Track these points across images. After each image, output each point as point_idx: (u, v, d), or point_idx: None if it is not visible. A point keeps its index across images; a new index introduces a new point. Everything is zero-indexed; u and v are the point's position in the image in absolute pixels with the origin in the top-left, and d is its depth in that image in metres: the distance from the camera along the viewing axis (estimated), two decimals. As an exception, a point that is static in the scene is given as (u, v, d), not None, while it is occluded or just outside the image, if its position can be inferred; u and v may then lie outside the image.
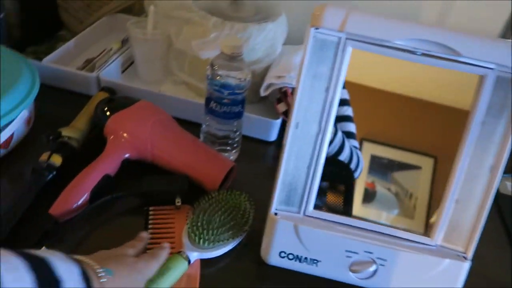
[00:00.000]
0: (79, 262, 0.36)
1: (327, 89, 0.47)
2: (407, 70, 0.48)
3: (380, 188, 0.52)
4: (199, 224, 0.50)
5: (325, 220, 0.50)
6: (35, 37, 0.80)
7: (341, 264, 0.50)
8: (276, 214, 0.50)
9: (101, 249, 0.44)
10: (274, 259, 0.51)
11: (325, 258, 0.50)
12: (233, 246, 0.52)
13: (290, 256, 0.51)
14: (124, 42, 0.81)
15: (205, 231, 0.49)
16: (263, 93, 0.72)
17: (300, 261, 0.51)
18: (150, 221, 0.54)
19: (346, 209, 0.52)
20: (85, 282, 0.35)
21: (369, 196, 0.53)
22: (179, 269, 0.47)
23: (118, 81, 0.71)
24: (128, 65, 0.81)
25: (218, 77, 0.57)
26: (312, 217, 0.51)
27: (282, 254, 0.51)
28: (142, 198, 0.57)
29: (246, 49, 0.69)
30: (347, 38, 0.45)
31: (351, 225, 0.50)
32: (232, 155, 0.66)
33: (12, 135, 0.56)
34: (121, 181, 0.57)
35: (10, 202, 0.51)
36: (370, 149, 0.52)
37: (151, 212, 0.55)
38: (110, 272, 0.39)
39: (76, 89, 0.73)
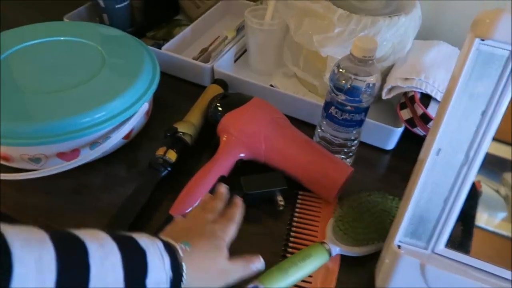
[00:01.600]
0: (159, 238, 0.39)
1: (484, 113, 0.39)
2: None
3: (487, 189, 0.44)
4: (345, 219, 0.50)
5: (458, 262, 0.43)
6: (155, 21, 0.81)
7: (474, 316, 0.42)
8: (399, 247, 0.44)
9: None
10: (391, 295, 0.46)
11: (454, 306, 0.43)
12: (376, 250, 0.50)
13: (411, 296, 0.45)
14: (239, 30, 0.78)
15: (351, 228, 0.49)
16: (384, 96, 0.65)
17: (422, 303, 0.45)
18: (298, 205, 0.55)
19: (464, 242, 0.44)
20: (168, 253, 0.37)
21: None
22: (320, 259, 0.47)
23: (230, 73, 0.69)
24: (241, 54, 0.78)
25: (344, 81, 0.51)
26: (442, 255, 0.44)
27: (402, 292, 0.45)
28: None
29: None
30: (521, 52, 0.36)
31: (491, 273, 0.43)
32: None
33: (133, 128, 0.57)
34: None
35: (128, 194, 0.52)
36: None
37: (300, 196, 0.56)
38: (188, 245, 0.40)
39: (190, 78, 0.73)
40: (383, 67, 0.67)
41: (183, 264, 0.38)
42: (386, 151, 0.66)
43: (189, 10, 0.85)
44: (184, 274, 0.37)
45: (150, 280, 0.35)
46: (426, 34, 0.74)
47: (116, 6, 0.73)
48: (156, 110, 0.66)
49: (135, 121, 0.56)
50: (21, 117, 0.51)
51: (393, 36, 0.63)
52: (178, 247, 0.39)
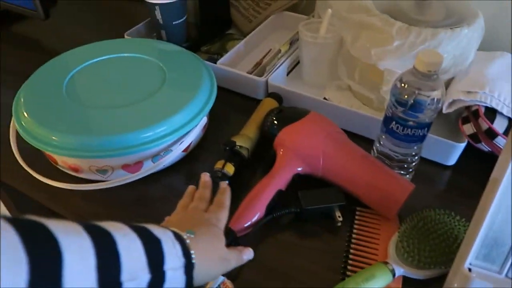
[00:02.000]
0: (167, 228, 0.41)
1: None
2: None
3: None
4: (410, 240, 0.48)
5: (535, 288, 0.41)
6: (208, 36, 0.83)
7: None
8: (470, 270, 0.42)
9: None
10: (460, 321, 0.43)
11: (532, 336, 0.41)
12: (441, 273, 0.48)
13: (483, 323, 0.42)
14: (292, 43, 0.78)
15: (416, 249, 0.47)
16: (445, 109, 0.62)
17: (495, 330, 0.42)
18: (356, 221, 0.54)
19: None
20: (178, 241, 0.39)
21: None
22: (384, 279, 0.46)
23: (285, 87, 0.69)
24: (294, 66, 0.78)
25: (407, 96, 0.50)
26: (517, 281, 0.41)
27: (473, 318, 0.43)
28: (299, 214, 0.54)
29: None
30: None
31: None
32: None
33: (192, 141, 0.58)
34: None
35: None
36: None
37: (358, 212, 0.55)
38: (192, 233, 0.42)
39: (244, 91, 0.74)
40: (443, 80, 0.64)
41: (192, 251, 0.40)
42: (446, 167, 0.63)
43: (241, 24, 0.87)
44: (194, 260, 0.40)
45: (168, 266, 0.37)
46: (487, 44, 0.71)
47: (174, 23, 0.75)
48: (211, 123, 0.67)
49: (195, 134, 0.57)
50: (90, 132, 0.54)
51: (455, 48, 0.61)
52: (185, 235, 0.41)
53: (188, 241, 0.41)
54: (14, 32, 0.93)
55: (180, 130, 0.55)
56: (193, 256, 0.40)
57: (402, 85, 0.51)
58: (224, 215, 0.49)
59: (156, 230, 0.39)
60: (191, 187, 0.54)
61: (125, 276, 0.33)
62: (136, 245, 0.35)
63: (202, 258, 0.41)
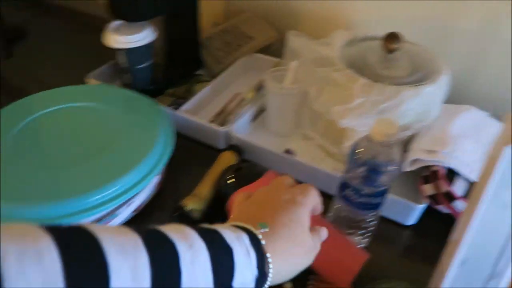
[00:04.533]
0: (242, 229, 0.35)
1: (514, 224, 0.35)
2: None
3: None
4: None
5: None
6: (176, 78, 0.81)
7: None
8: None
9: None
10: None
11: None
12: None
13: None
14: (259, 89, 0.77)
15: None
16: (406, 168, 0.61)
17: None
18: None
19: None
20: (254, 247, 0.34)
21: None
22: None
23: (246, 139, 0.67)
24: (260, 111, 0.77)
25: (362, 164, 0.48)
26: None
27: None
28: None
29: (395, 115, 0.59)
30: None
31: None
32: (361, 241, 0.56)
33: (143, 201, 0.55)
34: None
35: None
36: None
37: (309, 282, 0.52)
38: (265, 226, 0.36)
39: (205, 140, 0.71)
40: (405, 136, 0.63)
41: (268, 256, 0.34)
42: (405, 226, 0.61)
43: (211, 65, 0.85)
44: (270, 270, 0.34)
45: (237, 281, 0.32)
46: (455, 96, 0.70)
47: (138, 67, 0.73)
48: (169, 175, 0.64)
49: (145, 194, 0.55)
50: (24, 199, 0.49)
51: (418, 105, 0.60)
52: (259, 235, 0.35)
53: (263, 242, 0.35)
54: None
55: (130, 191, 0.52)
56: (270, 266, 0.34)
57: (357, 152, 0.49)
58: (313, 193, 0.41)
59: (228, 235, 0.33)
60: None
61: None
62: (202, 258, 0.30)
63: (279, 262, 0.35)
